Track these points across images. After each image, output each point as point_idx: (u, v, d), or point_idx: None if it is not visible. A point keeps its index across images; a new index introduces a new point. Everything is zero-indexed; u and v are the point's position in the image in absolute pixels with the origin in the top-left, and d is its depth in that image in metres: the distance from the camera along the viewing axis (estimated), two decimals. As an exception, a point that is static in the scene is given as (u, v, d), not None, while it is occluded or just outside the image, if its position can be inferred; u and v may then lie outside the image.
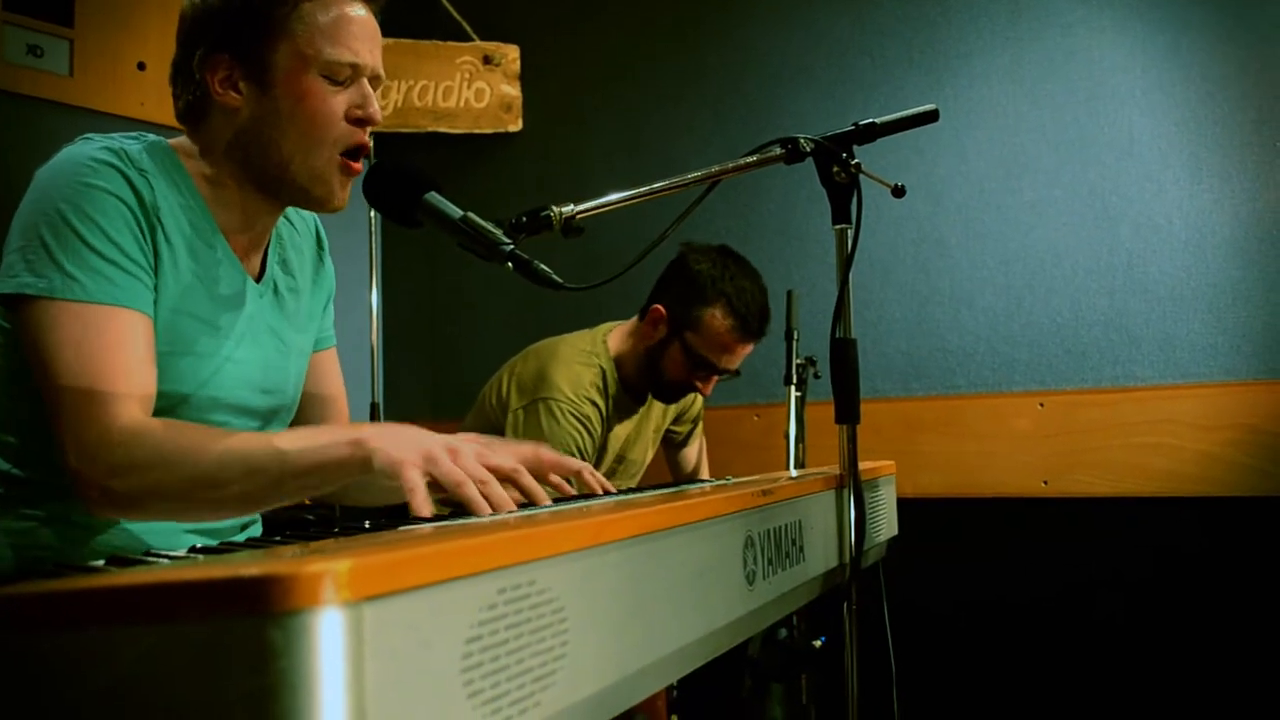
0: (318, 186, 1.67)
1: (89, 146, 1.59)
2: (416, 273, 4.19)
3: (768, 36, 3.62)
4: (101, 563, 0.96)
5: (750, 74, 3.65)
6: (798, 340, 2.90)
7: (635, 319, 2.92)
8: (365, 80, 1.68)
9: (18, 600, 0.73)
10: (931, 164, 3.30)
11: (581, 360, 2.86)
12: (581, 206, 1.72)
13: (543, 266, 1.64)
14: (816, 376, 2.93)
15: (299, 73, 1.62)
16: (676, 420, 3.19)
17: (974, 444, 3.24)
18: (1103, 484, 3.09)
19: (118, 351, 1.48)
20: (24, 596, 0.73)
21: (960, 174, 3.30)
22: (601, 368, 2.86)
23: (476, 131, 3.87)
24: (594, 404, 2.82)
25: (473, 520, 1.16)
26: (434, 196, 1.67)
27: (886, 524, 2.18)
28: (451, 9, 3.84)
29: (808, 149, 1.78)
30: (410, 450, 1.35)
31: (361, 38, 1.67)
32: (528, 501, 1.39)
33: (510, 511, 1.27)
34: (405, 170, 1.69)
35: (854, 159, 1.77)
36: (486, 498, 1.32)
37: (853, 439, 1.76)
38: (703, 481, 2.05)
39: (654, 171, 3.73)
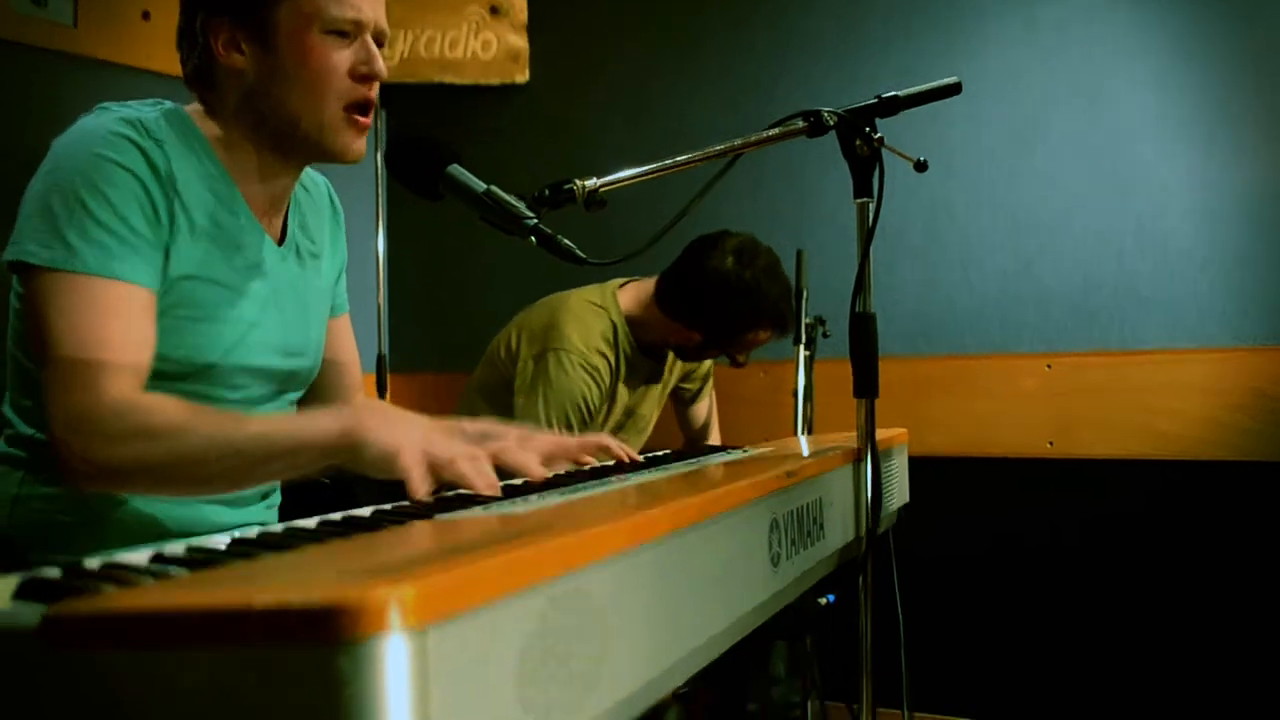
0: (329, 140, 1.67)
1: (106, 118, 1.59)
2: (424, 221, 4.16)
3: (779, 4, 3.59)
4: (146, 557, 0.97)
5: (761, 32, 3.62)
6: (807, 300, 2.91)
7: (651, 287, 2.91)
8: (369, 36, 1.67)
9: (73, 619, 0.73)
10: (944, 128, 3.27)
11: (592, 312, 2.87)
12: (604, 180, 1.72)
13: (566, 241, 1.65)
14: (826, 336, 2.94)
15: (301, 31, 1.62)
16: (686, 378, 3.20)
17: (981, 404, 3.26)
18: (1108, 445, 3.11)
19: (111, 323, 1.49)
20: (80, 616, 0.73)
21: (972, 138, 3.29)
22: (612, 321, 2.87)
23: (483, 83, 3.84)
24: (603, 355, 2.83)
25: (507, 511, 1.15)
26: (457, 169, 1.68)
27: (899, 492, 2.19)
28: (458, -43, 3.80)
29: (830, 123, 1.78)
30: (403, 437, 1.32)
31: None
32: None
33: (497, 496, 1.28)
34: (427, 143, 1.70)
35: (876, 132, 1.77)
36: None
37: (871, 413, 1.77)
38: (717, 451, 2.05)
39: (663, 125, 3.73)
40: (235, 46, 1.64)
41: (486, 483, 1.30)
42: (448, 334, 4.12)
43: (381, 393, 3.85)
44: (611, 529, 0.94)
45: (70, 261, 1.48)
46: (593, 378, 2.79)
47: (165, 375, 1.57)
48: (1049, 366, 3.19)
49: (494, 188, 1.65)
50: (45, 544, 1.60)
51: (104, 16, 3.44)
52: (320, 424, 1.38)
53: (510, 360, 2.91)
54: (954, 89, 1.86)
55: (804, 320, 2.89)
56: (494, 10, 3.79)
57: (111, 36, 3.45)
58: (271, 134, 1.68)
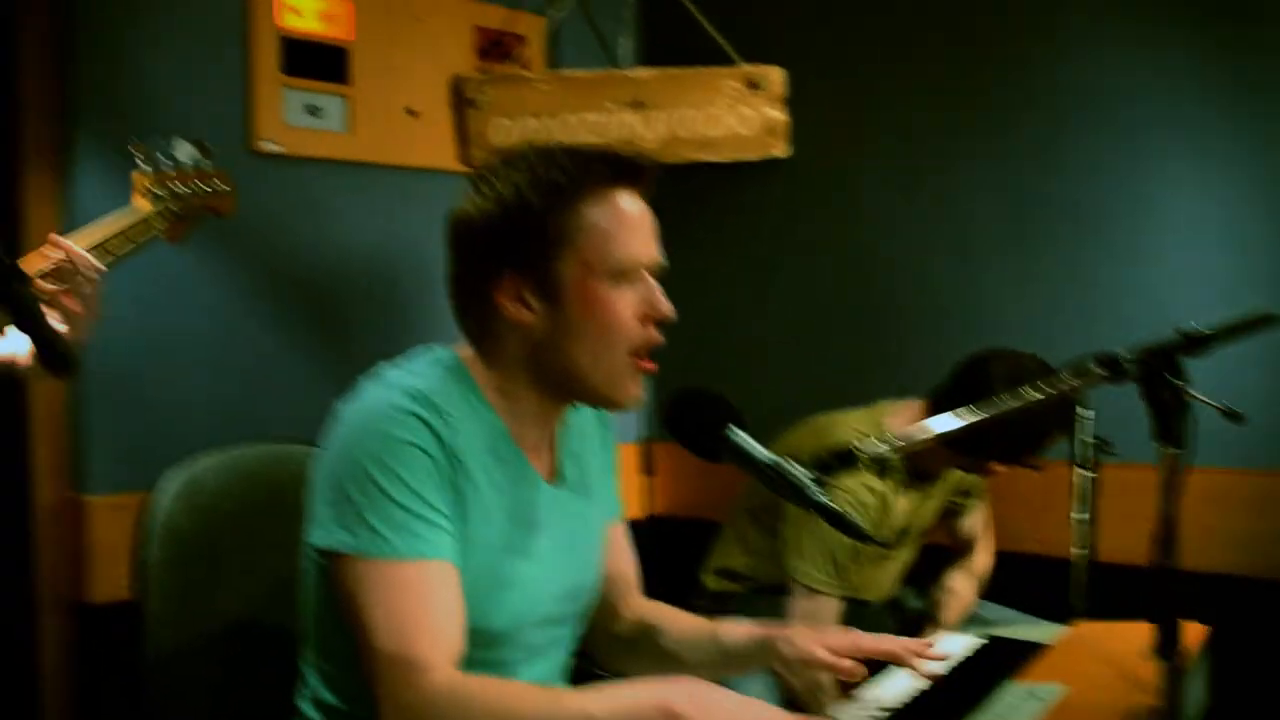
0: (614, 391, 1.68)
1: (391, 394, 1.61)
2: (689, 283, 4.13)
3: (1057, 63, 3.40)
4: None
5: (1036, 101, 3.43)
6: (1091, 419, 2.74)
7: (922, 408, 2.82)
8: (649, 275, 1.65)
9: None
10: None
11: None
12: (892, 442, 1.66)
13: (852, 518, 1.61)
14: (1111, 454, 2.75)
15: (586, 281, 1.61)
16: (958, 491, 3.10)
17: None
18: None
19: (427, 608, 1.52)
20: None
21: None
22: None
23: (742, 159, 3.77)
24: (872, 490, 2.77)
25: None
26: (737, 434, 1.64)
27: (1199, 701, 2.07)
28: (713, 31, 3.73)
29: (1131, 371, 1.67)
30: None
31: (640, 232, 1.65)
32: None
33: None
34: (708, 402, 1.67)
35: (1182, 378, 1.65)
36: None
37: (1174, 680, 1.66)
38: (989, 671, 1.96)
39: (928, 191, 3.59)
40: (521, 301, 1.63)
41: None
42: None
43: (650, 474, 3.88)
44: None
45: (378, 547, 1.52)
46: (863, 514, 2.73)
47: None
48: None
49: (781, 461, 1.61)
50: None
51: (374, 118, 3.53)
52: (640, 702, 1.40)
53: (778, 487, 2.87)
54: (1269, 320, 1.72)
55: (1084, 440, 2.73)
56: (751, 84, 3.71)
57: (381, 138, 3.55)
58: (554, 384, 1.68)
